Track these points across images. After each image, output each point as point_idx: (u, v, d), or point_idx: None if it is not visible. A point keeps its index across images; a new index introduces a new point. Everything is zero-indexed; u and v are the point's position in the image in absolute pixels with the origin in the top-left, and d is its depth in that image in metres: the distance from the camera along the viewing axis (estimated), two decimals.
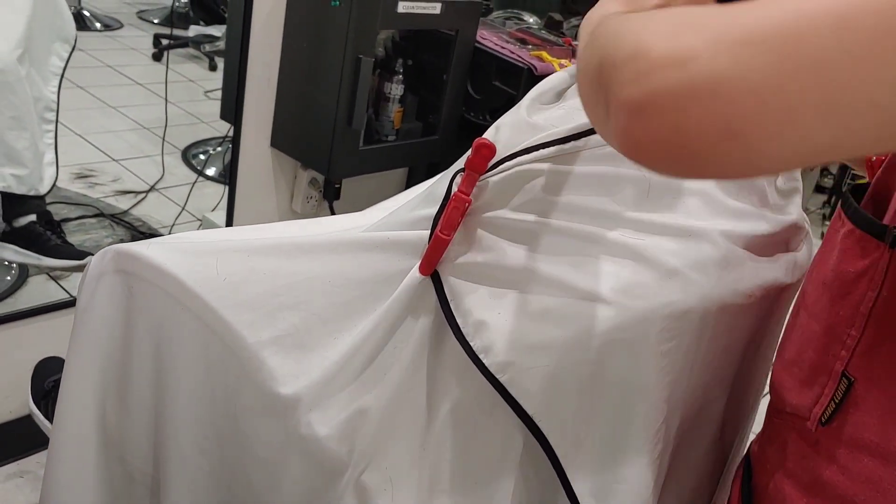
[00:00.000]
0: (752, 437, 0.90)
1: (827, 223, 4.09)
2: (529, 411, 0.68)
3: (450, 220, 0.70)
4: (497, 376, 0.68)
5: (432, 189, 0.76)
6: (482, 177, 0.71)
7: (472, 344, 0.69)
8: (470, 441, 0.71)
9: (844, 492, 0.60)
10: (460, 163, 0.74)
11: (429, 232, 0.72)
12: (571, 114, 0.74)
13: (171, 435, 0.82)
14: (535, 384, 0.68)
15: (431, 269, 0.72)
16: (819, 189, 4.25)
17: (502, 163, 0.71)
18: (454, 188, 0.71)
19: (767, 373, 0.87)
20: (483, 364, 0.69)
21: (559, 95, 0.78)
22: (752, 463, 0.72)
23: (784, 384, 0.67)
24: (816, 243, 0.86)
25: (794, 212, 0.80)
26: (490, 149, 0.71)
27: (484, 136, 0.74)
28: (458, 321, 0.70)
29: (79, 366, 0.86)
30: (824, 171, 4.19)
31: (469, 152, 0.71)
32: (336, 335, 0.74)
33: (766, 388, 0.87)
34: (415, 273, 0.72)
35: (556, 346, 0.68)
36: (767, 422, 0.72)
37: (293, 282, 0.76)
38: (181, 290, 0.78)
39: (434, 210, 0.72)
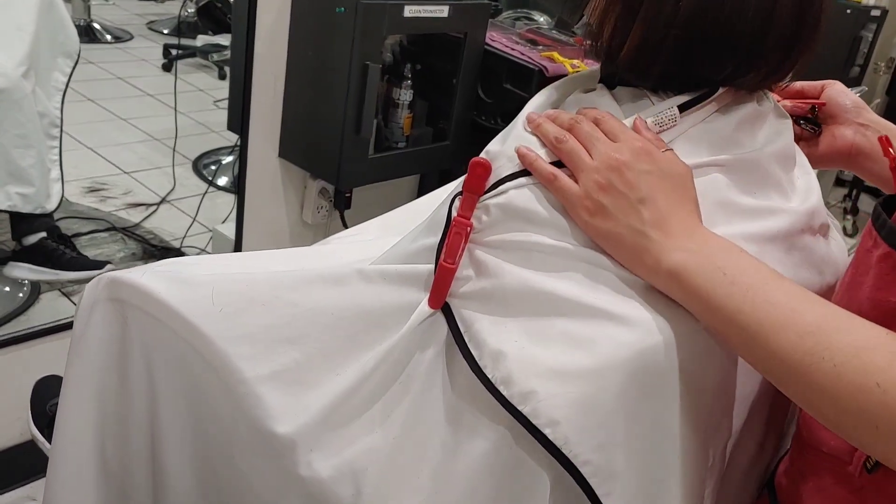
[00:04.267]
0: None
1: (848, 218, 4.02)
2: (558, 443, 0.63)
3: (452, 247, 0.67)
4: (519, 408, 0.63)
5: (434, 216, 0.73)
6: (482, 198, 0.68)
7: (490, 376, 0.65)
8: (492, 480, 0.67)
9: None
10: (458, 185, 0.70)
11: (433, 263, 0.68)
12: None
13: (169, 471, 0.79)
14: (562, 412, 0.63)
15: (441, 302, 0.68)
16: (839, 182, 4.18)
17: (502, 182, 0.68)
18: (454, 212, 0.68)
19: None
20: (504, 397, 0.64)
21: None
22: (780, 497, 0.68)
23: (816, 421, 0.63)
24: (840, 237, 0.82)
25: (813, 202, 0.76)
26: (486, 167, 0.68)
27: (485, 149, 0.71)
28: (474, 353, 0.66)
29: (75, 396, 0.84)
30: None
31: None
32: (339, 371, 0.71)
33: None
34: (423, 307, 0.69)
35: (580, 371, 0.63)
36: (797, 455, 0.67)
37: (294, 314, 0.73)
38: (176, 319, 0.75)
39: (436, 239, 0.69)
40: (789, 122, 0.78)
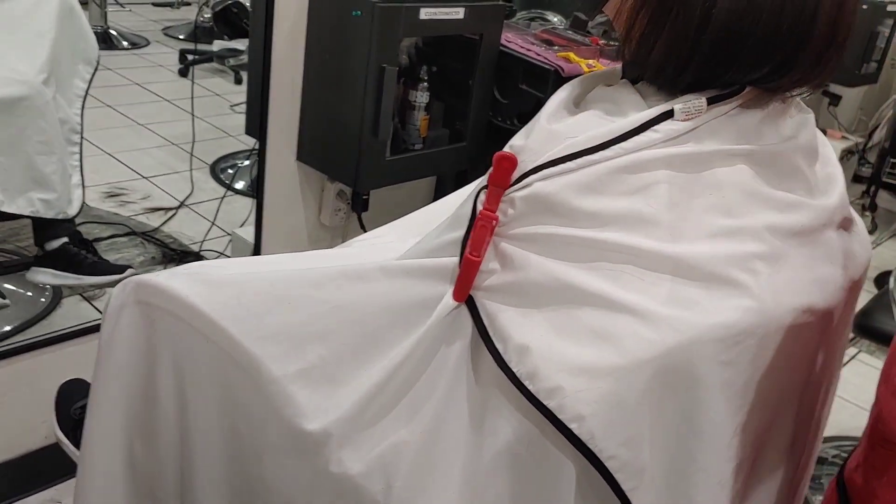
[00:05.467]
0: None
1: (867, 214, 3.98)
2: (584, 437, 0.64)
3: (477, 239, 0.67)
4: (545, 403, 0.64)
5: (458, 211, 0.73)
6: (507, 191, 0.68)
7: (515, 371, 0.65)
8: (518, 473, 0.67)
9: None
10: (483, 179, 0.70)
11: (458, 256, 0.69)
12: (589, 121, 0.71)
13: (197, 472, 0.80)
14: (588, 408, 0.63)
15: (465, 295, 0.68)
16: (857, 179, 4.15)
17: (527, 175, 0.68)
18: (479, 206, 0.68)
19: (836, 375, 0.82)
20: (529, 391, 0.65)
21: (575, 104, 0.75)
22: (852, 493, 0.67)
23: (894, 413, 0.62)
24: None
25: (835, 197, 0.76)
26: (511, 161, 0.67)
27: (509, 144, 0.71)
28: (498, 347, 0.67)
29: (104, 399, 0.85)
30: (862, 159, 4.09)
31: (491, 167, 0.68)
32: (366, 366, 0.71)
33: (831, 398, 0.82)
34: (448, 300, 0.69)
35: (606, 366, 0.64)
36: (870, 450, 0.67)
37: (320, 311, 0.73)
38: (203, 321, 0.76)
39: (461, 233, 0.69)
40: (811, 115, 0.78)
